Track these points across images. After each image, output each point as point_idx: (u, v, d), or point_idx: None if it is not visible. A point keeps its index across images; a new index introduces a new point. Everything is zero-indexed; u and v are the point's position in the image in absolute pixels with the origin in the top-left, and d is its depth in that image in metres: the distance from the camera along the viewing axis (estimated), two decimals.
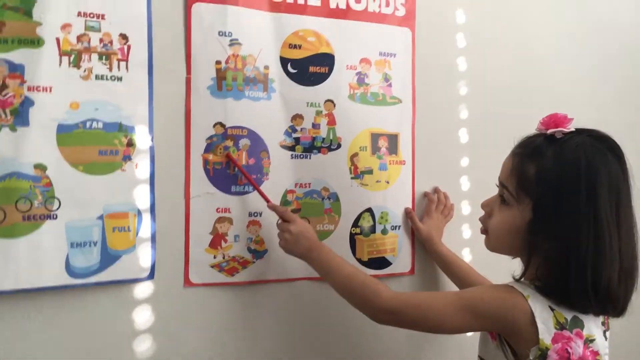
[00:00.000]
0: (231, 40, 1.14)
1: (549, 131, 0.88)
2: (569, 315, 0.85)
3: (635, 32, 1.67)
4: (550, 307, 0.84)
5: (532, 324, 0.83)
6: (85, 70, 1.03)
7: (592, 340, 0.85)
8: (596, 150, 0.84)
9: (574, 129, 0.88)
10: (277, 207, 1.12)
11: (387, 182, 1.28)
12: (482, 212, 1.01)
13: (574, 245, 0.82)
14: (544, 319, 0.83)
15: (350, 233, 1.25)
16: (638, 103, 1.68)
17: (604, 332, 0.89)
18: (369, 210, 1.27)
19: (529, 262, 0.88)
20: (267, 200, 1.13)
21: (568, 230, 0.82)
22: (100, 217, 1.03)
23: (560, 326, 0.84)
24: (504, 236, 0.92)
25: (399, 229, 1.30)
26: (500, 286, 0.91)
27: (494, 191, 1.38)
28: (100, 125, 1.04)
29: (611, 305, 0.85)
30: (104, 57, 1.04)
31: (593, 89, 1.59)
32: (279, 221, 1.11)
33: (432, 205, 1.31)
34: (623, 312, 0.87)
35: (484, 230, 0.99)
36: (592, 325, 0.86)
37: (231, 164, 1.13)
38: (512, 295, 0.86)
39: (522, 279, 0.90)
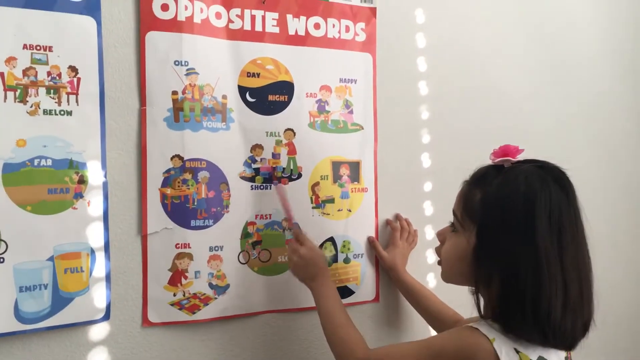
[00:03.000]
0: (187, 69, 1.10)
1: (496, 160, 0.89)
2: (534, 356, 0.83)
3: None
4: (515, 349, 0.82)
5: None
6: (32, 105, 0.98)
7: None
8: (538, 178, 0.83)
9: (522, 159, 0.88)
10: (295, 228, 1.13)
11: (349, 211, 1.27)
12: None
13: (513, 273, 0.80)
14: None
15: None
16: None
17: None
18: (331, 239, 1.25)
19: (478, 292, 0.87)
20: (290, 217, 1.14)
21: (507, 257, 0.81)
22: (51, 259, 0.99)
23: None
24: (453, 263, 0.92)
25: (361, 257, 1.28)
26: (464, 330, 0.87)
27: None
28: (50, 162, 0.99)
29: (555, 338, 0.81)
30: (52, 91, 1.00)
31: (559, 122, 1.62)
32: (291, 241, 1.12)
33: (396, 233, 1.30)
34: (573, 345, 0.84)
35: (439, 261, 0.98)
36: None
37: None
38: (476, 340, 0.83)
39: (483, 315, 0.88)
